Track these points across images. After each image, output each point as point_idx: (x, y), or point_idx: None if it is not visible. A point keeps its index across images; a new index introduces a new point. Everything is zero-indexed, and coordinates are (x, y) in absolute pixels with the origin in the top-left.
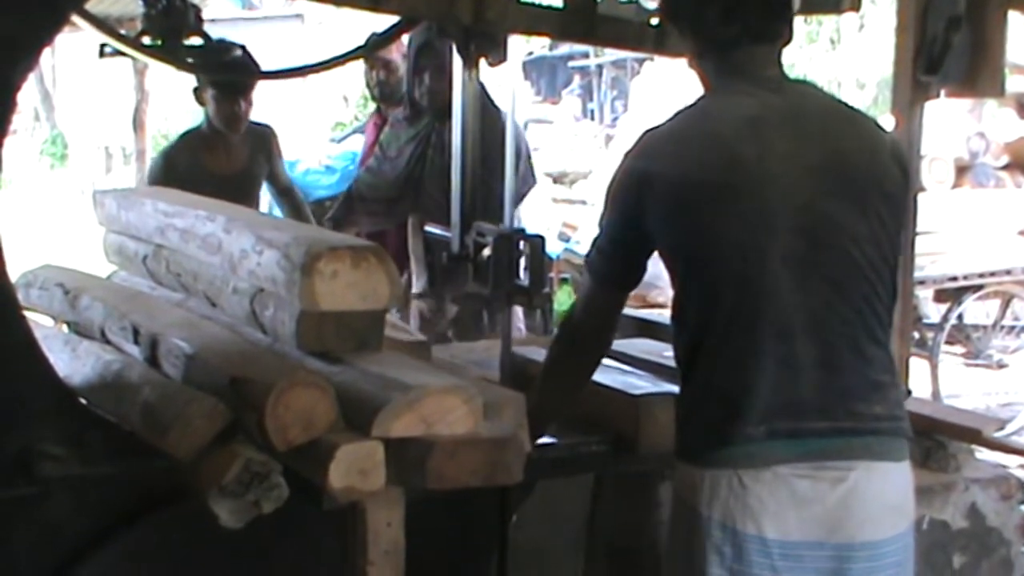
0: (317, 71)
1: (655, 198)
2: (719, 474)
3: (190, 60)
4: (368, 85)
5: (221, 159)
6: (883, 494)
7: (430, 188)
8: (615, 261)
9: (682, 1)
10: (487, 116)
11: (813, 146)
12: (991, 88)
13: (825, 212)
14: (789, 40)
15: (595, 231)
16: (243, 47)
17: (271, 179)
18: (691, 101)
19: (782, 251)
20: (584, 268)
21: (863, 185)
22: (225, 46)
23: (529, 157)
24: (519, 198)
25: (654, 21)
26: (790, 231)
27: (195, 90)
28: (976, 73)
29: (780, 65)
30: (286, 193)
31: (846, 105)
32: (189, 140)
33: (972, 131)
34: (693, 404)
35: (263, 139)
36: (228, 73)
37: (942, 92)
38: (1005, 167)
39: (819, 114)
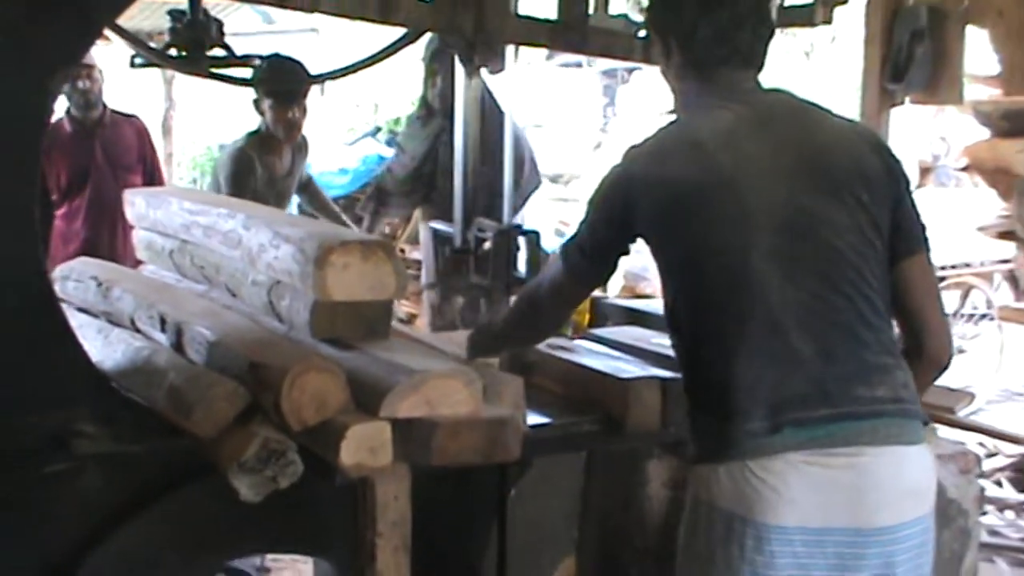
0: (359, 70)
1: (644, 207)
2: (732, 467)
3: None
4: (68, 96)
5: (277, 162)
6: (897, 478)
7: (441, 183)
8: (593, 262)
9: (674, 18)
10: (492, 119)
11: (786, 147)
12: (951, 95)
13: (803, 207)
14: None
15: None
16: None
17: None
18: (670, 121)
19: (767, 249)
20: (560, 255)
21: (839, 176)
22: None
23: (533, 158)
24: (526, 196)
25: (642, 34)
26: (772, 229)
27: (255, 101)
28: (937, 82)
29: (757, 82)
30: (305, 187)
31: (817, 105)
32: (256, 140)
33: (934, 136)
34: (697, 405)
35: (303, 145)
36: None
37: (907, 99)
38: (964, 168)
39: (790, 116)
